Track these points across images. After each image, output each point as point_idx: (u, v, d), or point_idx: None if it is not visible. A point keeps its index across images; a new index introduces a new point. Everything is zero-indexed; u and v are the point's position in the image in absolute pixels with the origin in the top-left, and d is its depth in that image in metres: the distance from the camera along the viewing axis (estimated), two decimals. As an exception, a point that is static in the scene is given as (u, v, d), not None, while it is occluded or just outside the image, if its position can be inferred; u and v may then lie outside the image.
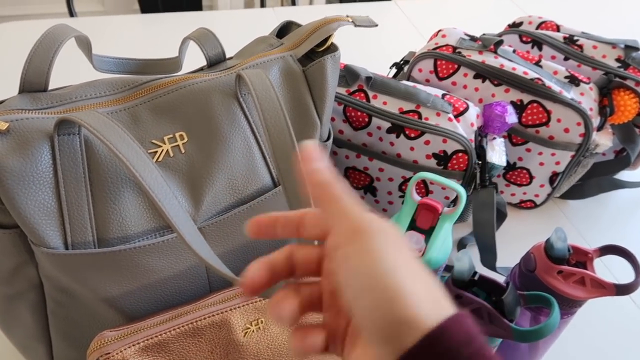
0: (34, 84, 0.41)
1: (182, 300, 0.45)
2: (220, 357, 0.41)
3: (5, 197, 0.36)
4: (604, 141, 0.64)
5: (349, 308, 0.24)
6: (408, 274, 0.23)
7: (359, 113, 0.58)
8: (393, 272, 0.23)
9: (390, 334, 0.22)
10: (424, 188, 0.59)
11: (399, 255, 0.24)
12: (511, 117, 0.59)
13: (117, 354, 0.38)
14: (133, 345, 0.38)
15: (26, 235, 0.38)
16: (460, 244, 0.65)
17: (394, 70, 0.74)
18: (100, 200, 0.39)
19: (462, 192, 0.45)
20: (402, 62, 0.72)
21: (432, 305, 0.23)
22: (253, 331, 0.42)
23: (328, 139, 0.50)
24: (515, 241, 0.64)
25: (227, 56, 0.50)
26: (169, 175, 0.42)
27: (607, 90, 0.65)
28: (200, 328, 0.40)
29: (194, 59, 0.59)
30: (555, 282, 0.44)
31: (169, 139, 0.43)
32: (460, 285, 0.42)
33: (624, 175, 0.77)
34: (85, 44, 0.46)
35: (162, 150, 0.42)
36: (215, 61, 0.49)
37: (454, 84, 0.66)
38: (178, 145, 0.43)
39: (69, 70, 0.62)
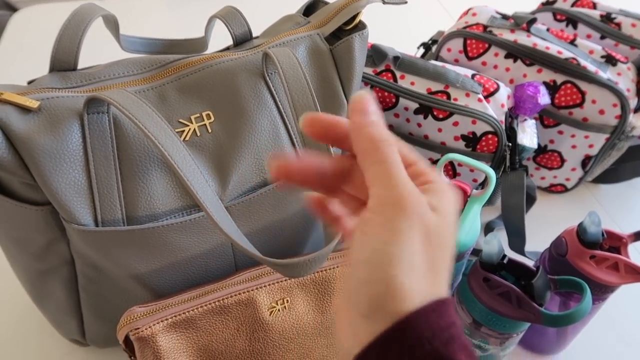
0: (63, 62, 0.42)
1: (208, 278, 0.46)
2: (246, 334, 0.41)
3: (37, 175, 0.37)
4: (641, 123, 0.62)
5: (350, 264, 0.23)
6: (414, 272, 0.22)
7: (385, 93, 0.57)
8: (400, 264, 0.21)
9: (371, 316, 0.21)
10: (452, 170, 0.58)
11: (419, 247, 0.22)
12: (544, 98, 0.57)
13: (146, 329, 0.38)
14: (161, 322, 0.39)
15: (58, 212, 0.39)
16: (488, 228, 0.64)
17: (422, 50, 0.72)
18: (129, 178, 0.40)
19: (492, 174, 0.44)
20: (430, 41, 0.70)
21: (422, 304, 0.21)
22: (279, 310, 0.42)
23: (355, 119, 0.50)
24: (545, 226, 0.63)
25: (254, 35, 0.50)
26: (196, 155, 0.42)
27: (646, 70, 0.62)
28: (227, 306, 0.41)
29: (221, 38, 0.59)
30: (587, 267, 0.43)
31: (196, 118, 0.43)
32: (488, 269, 0.41)
33: (661, 159, 0.74)
34: (112, 24, 0.46)
35: (190, 129, 0.42)
36: (242, 40, 0.48)
37: (484, 64, 0.65)
38: (205, 125, 0.43)
39: (98, 51, 0.63)
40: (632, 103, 0.61)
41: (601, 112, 0.60)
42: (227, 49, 0.49)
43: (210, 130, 0.43)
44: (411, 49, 0.70)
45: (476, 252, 0.56)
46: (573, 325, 0.48)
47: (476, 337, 0.44)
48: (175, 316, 0.39)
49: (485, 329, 0.43)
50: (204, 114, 0.43)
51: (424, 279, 0.22)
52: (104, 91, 0.39)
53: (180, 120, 0.42)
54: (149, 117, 0.36)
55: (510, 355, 0.53)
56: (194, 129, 0.43)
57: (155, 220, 0.41)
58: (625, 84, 0.60)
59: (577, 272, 0.43)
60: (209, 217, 0.33)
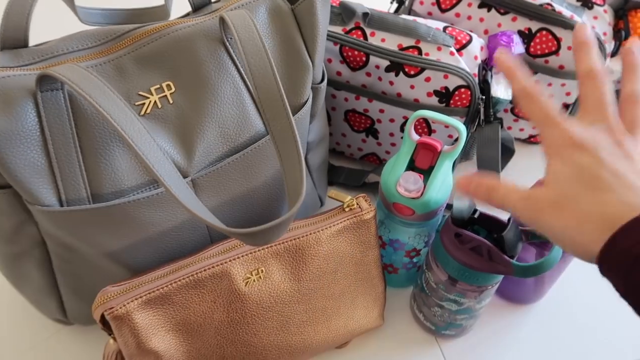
0: (13, 39, 0.40)
1: (184, 251, 0.45)
2: (224, 306, 0.42)
3: (-7, 158, 0.36)
4: (619, 67, 0.61)
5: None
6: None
7: (356, 52, 0.55)
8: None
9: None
10: (427, 127, 0.57)
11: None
12: (517, 47, 0.56)
13: (120, 308, 0.38)
14: (136, 299, 0.39)
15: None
16: (467, 183, 0.64)
17: (395, 5, 0.70)
18: (91, 155, 0.39)
19: (461, 128, 0.43)
20: (402, -5, 0.68)
21: None
22: (254, 280, 0.42)
23: (322, 80, 0.48)
24: (525, 177, 0.62)
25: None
26: (158, 127, 0.41)
27: (622, 12, 0.61)
28: (201, 280, 0.40)
29: (185, 6, 0.57)
30: None
31: (156, 90, 0.41)
32: (459, 224, 0.41)
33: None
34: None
35: (150, 101, 0.41)
36: (200, 5, 0.46)
37: (457, 15, 0.63)
38: (166, 96, 0.42)
39: (56, 25, 0.60)
40: (609, 47, 0.60)
41: (577, 58, 0.59)
42: (187, 15, 0.48)
43: (171, 101, 0.42)
44: (384, 5, 0.68)
45: (451, 207, 0.57)
46: (549, 273, 0.49)
47: (452, 292, 0.44)
48: (149, 293, 0.39)
49: (461, 284, 0.43)
50: (164, 85, 0.42)
51: None
52: (55, 67, 0.38)
53: (140, 92, 0.41)
54: (100, 91, 0.34)
55: (489, 307, 0.54)
56: (155, 101, 0.41)
57: (121, 196, 0.40)
58: (601, 27, 0.59)
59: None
60: (166, 189, 0.33)
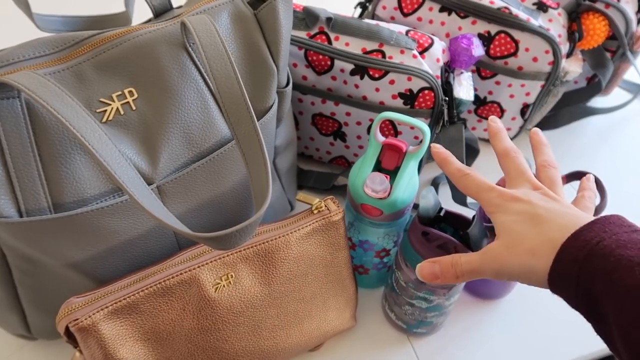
0: (-34, 48, 0.39)
1: (151, 260, 0.45)
2: (193, 313, 0.41)
3: (-54, 169, 0.35)
4: (574, 68, 0.63)
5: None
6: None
7: (320, 56, 0.56)
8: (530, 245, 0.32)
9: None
10: (393, 129, 0.58)
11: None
12: (477, 50, 0.57)
13: (85, 319, 0.37)
14: (101, 310, 0.38)
15: (-23, 207, 0.37)
16: (434, 184, 0.65)
17: (359, 9, 0.71)
18: (51, 164, 0.38)
19: (425, 129, 0.44)
20: (366, 0, 0.69)
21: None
22: (224, 286, 0.42)
23: (287, 84, 0.49)
24: (489, 176, 0.64)
25: (177, 5, 0.47)
26: (121, 134, 0.41)
27: (576, 14, 0.63)
28: (169, 287, 0.40)
29: (147, 12, 0.56)
30: None
31: (118, 96, 0.41)
32: (426, 222, 0.42)
33: (597, 101, 0.77)
34: (23, 3, 0.43)
35: (112, 108, 0.41)
36: (162, 10, 0.46)
37: (419, 19, 0.64)
38: (128, 102, 0.41)
39: (12, 33, 0.59)
40: (564, 48, 0.62)
41: (534, 59, 0.61)
42: (149, 21, 0.47)
43: (134, 108, 0.41)
44: (349, 10, 0.68)
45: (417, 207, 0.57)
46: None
47: (421, 290, 0.45)
48: (116, 303, 0.38)
49: (430, 282, 0.44)
50: (126, 91, 0.41)
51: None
52: (10, 75, 0.37)
53: (102, 99, 0.40)
54: (58, 98, 0.34)
55: (459, 304, 0.55)
56: (117, 108, 0.41)
57: (84, 205, 0.39)
58: (556, 30, 0.61)
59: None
60: (129, 196, 0.32)
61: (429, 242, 0.41)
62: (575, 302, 0.29)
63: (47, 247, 0.39)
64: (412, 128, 0.57)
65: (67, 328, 0.38)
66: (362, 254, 0.51)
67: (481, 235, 0.41)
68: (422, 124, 0.45)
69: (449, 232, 0.43)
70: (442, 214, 0.42)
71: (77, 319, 0.37)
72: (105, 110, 0.40)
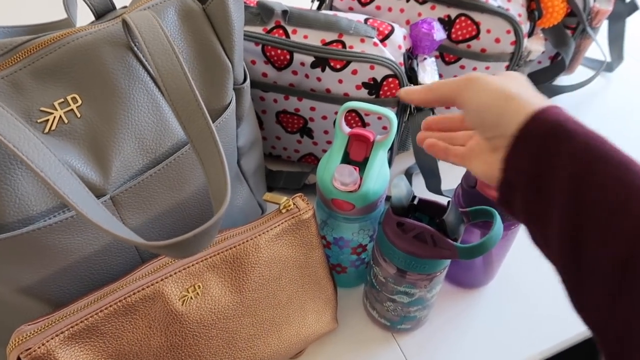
0: None
1: (112, 276, 0.42)
2: (160, 330, 0.38)
3: None
4: (536, 47, 0.62)
5: (471, 124, 0.32)
6: (520, 87, 0.30)
7: (279, 51, 0.53)
8: (509, 87, 0.30)
9: (504, 124, 0.29)
10: (360, 121, 0.56)
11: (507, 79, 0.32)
12: (439, 34, 0.56)
13: (39, 347, 0.34)
14: (57, 336, 0.35)
15: None
16: (407, 174, 0.63)
17: (317, 3, 0.69)
18: (-12, 182, 0.35)
19: (391, 115, 0.42)
20: (322, -8, 0.67)
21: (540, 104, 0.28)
22: (191, 298, 0.39)
23: (244, 81, 0.46)
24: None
25: (121, 6, 0.45)
26: (67, 144, 0.38)
27: (534, -7, 0.63)
28: (131, 304, 0.37)
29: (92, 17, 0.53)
30: (495, 193, 0.43)
31: (60, 104, 0.38)
32: (400, 213, 0.40)
33: (561, 80, 0.76)
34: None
35: (54, 117, 0.38)
36: (103, 11, 0.43)
37: (378, 8, 0.63)
38: (72, 110, 0.38)
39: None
40: (525, 28, 0.61)
41: (497, 40, 0.60)
42: (91, 23, 0.44)
43: (79, 115, 0.38)
44: (306, 4, 0.66)
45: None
46: (496, 253, 0.49)
47: (402, 284, 0.43)
48: (72, 326, 0.35)
49: (410, 275, 0.42)
50: (68, 98, 0.38)
51: (528, 90, 0.31)
52: None
53: (42, 108, 0.37)
54: (-14, 108, 0.31)
55: (442, 294, 0.53)
56: (60, 116, 0.38)
57: (30, 223, 0.36)
58: (515, 9, 0.61)
59: (489, 201, 0.42)
60: (72, 208, 0.29)
61: (405, 233, 0.40)
62: (518, 176, 0.29)
63: (-8, 273, 0.36)
64: (379, 118, 0.55)
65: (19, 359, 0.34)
66: (338, 252, 0.49)
67: (458, 222, 0.39)
68: (387, 111, 0.43)
69: (425, 220, 0.42)
70: (415, 202, 0.41)
71: (29, 348, 0.34)
72: (47, 120, 0.37)
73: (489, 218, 0.40)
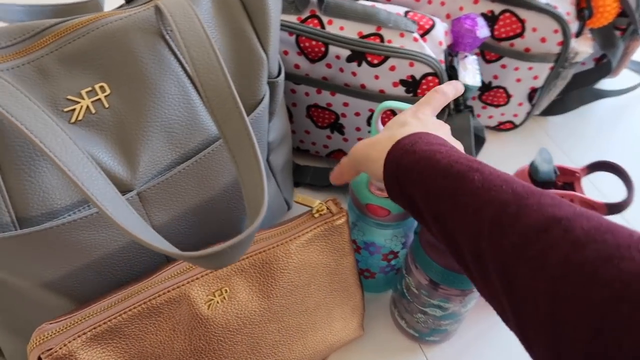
0: None
1: (136, 273, 0.40)
2: (184, 334, 0.37)
3: None
4: (584, 48, 0.59)
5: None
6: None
7: (313, 42, 0.51)
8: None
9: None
10: (395, 120, 0.53)
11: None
12: (483, 31, 0.53)
13: (60, 348, 0.33)
14: (79, 336, 0.33)
15: None
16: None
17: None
18: (12, 173, 0.33)
19: None
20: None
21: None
22: (217, 302, 0.37)
23: (279, 74, 0.44)
24: (498, 166, 0.60)
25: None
26: (94, 136, 0.36)
27: (584, -10, 0.59)
28: (156, 307, 0.35)
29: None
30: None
31: (88, 93, 0.36)
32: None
33: (605, 83, 0.73)
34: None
35: (81, 107, 0.36)
36: (135, -5, 0.41)
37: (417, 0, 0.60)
38: (100, 99, 0.36)
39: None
40: (573, 27, 0.58)
41: (543, 40, 0.57)
42: (120, 7, 0.42)
43: (107, 105, 0.36)
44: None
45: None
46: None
47: (435, 297, 0.41)
48: (95, 327, 0.34)
49: (444, 288, 0.40)
50: (96, 87, 0.36)
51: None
52: (-41, 72, 0.32)
53: (69, 97, 0.35)
54: (12, 98, 0.29)
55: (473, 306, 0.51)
56: (87, 106, 0.36)
57: (54, 217, 0.34)
58: (564, 7, 0.57)
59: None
60: (100, 210, 0.28)
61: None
62: (401, 200, 0.34)
63: (14, 267, 0.35)
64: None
65: (39, 359, 0.33)
66: (367, 257, 0.47)
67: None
68: None
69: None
70: (457, 212, 0.38)
71: (51, 349, 0.33)
72: (74, 110, 0.35)
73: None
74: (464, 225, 0.28)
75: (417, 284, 0.41)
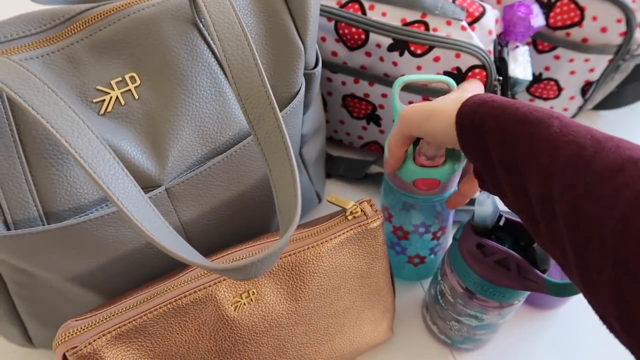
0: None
1: (162, 269, 0.39)
2: (210, 334, 0.36)
3: None
4: (649, 39, 0.54)
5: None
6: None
7: (353, 29, 0.48)
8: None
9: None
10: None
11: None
12: (537, 19, 0.49)
13: (85, 346, 0.32)
14: (104, 335, 0.33)
15: (-42, 218, 0.32)
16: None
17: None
18: (40, 166, 0.32)
19: (451, 81, 0.39)
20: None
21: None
22: (244, 304, 0.36)
23: (316, 65, 0.41)
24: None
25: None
26: (122, 128, 0.34)
27: (652, -25, 0.54)
28: (182, 307, 0.34)
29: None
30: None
31: (118, 83, 0.35)
32: (482, 233, 0.35)
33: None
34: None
35: (111, 97, 0.34)
36: (168, -21, 0.39)
37: (466, -17, 0.55)
38: (130, 90, 0.35)
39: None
40: (638, 16, 0.53)
41: (603, 30, 0.52)
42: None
43: (137, 97, 0.35)
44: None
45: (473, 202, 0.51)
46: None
47: (472, 308, 0.39)
48: (120, 326, 0.33)
49: (482, 299, 0.37)
50: (127, 77, 0.35)
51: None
52: (-13, 61, 0.31)
53: (99, 87, 0.34)
54: (37, 91, 0.28)
55: (511, 315, 0.48)
56: (117, 97, 0.35)
57: (81, 212, 0.34)
58: (630, -6, 0.52)
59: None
60: (125, 216, 0.26)
61: (485, 257, 0.35)
62: (472, 150, 0.33)
63: (42, 262, 0.34)
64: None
65: (64, 356, 0.33)
66: (417, 240, 0.45)
67: (551, 251, 0.34)
68: (448, 78, 0.40)
69: (508, 242, 0.37)
70: (501, 223, 0.36)
71: (75, 347, 0.32)
72: (104, 100, 0.34)
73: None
74: (537, 168, 0.27)
75: (454, 294, 0.39)
